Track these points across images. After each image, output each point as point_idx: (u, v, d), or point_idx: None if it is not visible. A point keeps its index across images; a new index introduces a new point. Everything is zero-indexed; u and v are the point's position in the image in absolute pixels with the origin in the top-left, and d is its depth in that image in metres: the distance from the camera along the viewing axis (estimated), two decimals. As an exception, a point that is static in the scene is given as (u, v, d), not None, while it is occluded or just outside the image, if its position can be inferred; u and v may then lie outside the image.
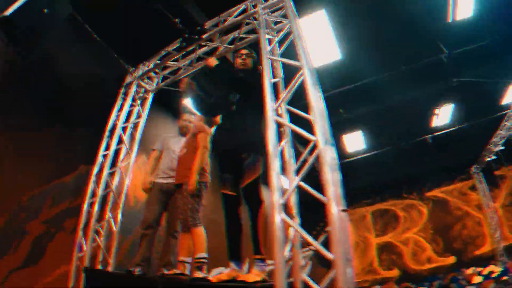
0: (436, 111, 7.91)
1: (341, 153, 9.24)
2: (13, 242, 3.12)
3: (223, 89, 2.87)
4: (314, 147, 1.98)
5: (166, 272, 2.86)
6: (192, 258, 2.63)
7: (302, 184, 1.91)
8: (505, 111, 7.59)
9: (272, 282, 1.83)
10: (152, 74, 4.65)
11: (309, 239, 1.72)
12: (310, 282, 1.69)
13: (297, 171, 2.04)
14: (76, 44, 4.50)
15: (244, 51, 2.99)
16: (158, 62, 4.54)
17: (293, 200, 1.97)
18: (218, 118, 3.09)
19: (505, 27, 6.23)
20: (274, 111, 2.17)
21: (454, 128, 8.37)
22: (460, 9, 5.75)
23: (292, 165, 2.07)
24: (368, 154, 9.23)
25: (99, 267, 3.22)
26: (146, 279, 2.78)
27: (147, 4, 4.12)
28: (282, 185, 1.99)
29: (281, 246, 1.77)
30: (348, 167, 8.86)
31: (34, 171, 3.44)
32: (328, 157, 1.88)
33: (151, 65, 4.61)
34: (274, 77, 2.57)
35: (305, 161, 2.04)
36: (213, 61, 2.89)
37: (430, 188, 10.02)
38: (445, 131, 8.43)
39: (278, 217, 1.79)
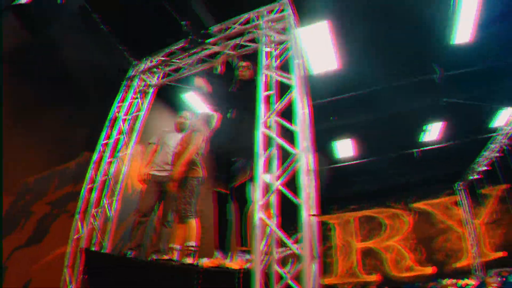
0: (427, 126, 8.33)
1: (331, 159, 9.68)
2: (19, 222, 3.46)
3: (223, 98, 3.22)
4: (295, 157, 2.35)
5: (155, 257, 3.22)
6: (181, 246, 2.99)
7: (281, 188, 2.27)
8: (491, 134, 8.05)
9: (251, 270, 2.20)
10: (154, 69, 4.96)
11: (282, 236, 2.10)
12: (281, 272, 2.07)
13: (278, 177, 2.41)
14: (84, 33, 4.78)
15: (244, 63, 3.33)
16: (162, 59, 4.87)
17: (274, 202, 2.35)
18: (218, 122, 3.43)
19: (500, 56, 6.65)
20: (263, 124, 2.52)
21: (441, 145, 8.82)
22: (459, 34, 6.15)
23: (274, 171, 2.43)
24: (357, 162, 9.65)
25: (94, 249, 3.58)
26: (140, 262, 3.13)
27: (155, 2, 4.43)
28: (265, 188, 2.36)
29: (259, 241, 2.15)
30: (338, 172, 9.29)
31: (40, 155, 3.78)
32: (306, 167, 2.25)
33: (155, 61, 4.94)
34: (269, 89, 2.93)
35: (286, 168, 2.41)
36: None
37: (415, 200, 10.53)
38: (433, 146, 8.88)
39: (258, 216, 2.17)
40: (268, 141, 2.58)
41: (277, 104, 2.73)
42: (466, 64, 6.84)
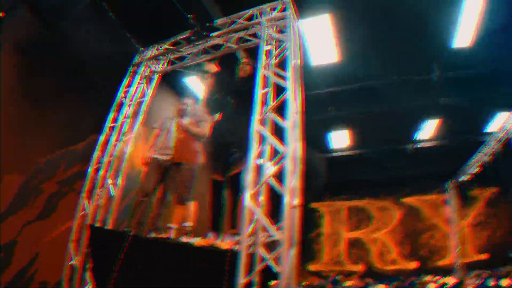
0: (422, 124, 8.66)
1: (327, 148, 10.06)
2: (30, 198, 3.84)
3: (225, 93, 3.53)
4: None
5: (154, 234, 3.60)
6: (178, 225, 3.37)
7: (269, 180, 2.62)
8: (485, 138, 8.37)
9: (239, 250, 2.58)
10: (160, 57, 5.22)
11: (265, 223, 2.46)
12: (263, 253, 2.44)
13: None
14: (93, 22, 5.02)
15: (244, 60, 3.62)
16: (168, 47, 5.12)
17: (262, 192, 2.70)
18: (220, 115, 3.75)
19: (498, 63, 6.91)
20: (258, 121, 2.85)
21: (435, 143, 9.16)
22: (460, 38, 6.37)
23: (265, 165, 2.78)
24: (351, 153, 10.03)
25: (97, 225, 3.95)
26: (140, 238, 3.51)
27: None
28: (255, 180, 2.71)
29: (246, 226, 2.52)
30: (332, 161, 9.68)
31: (51, 138, 4.15)
32: (292, 163, 2.59)
33: (161, 49, 5.18)
34: (266, 86, 3.24)
35: (276, 163, 2.75)
36: (213, 68, 3.54)
37: (405, 194, 10.97)
38: (427, 144, 9.23)
39: (245, 204, 2.52)
40: (262, 136, 2.92)
41: (272, 102, 3.05)
42: (465, 67, 7.14)
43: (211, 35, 4.51)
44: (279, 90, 3.15)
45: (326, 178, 9.83)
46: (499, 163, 7.98)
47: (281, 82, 3.09)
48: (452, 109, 7.76)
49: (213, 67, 3.56)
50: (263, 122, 2.93)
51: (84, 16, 4.88)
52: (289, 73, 3.17)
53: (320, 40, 6.49)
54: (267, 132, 2.84)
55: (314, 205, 11.45)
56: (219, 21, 4.60)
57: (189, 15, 4.43)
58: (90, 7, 4.93)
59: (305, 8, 5.56)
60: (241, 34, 4.57)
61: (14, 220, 3.72)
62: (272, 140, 2.75)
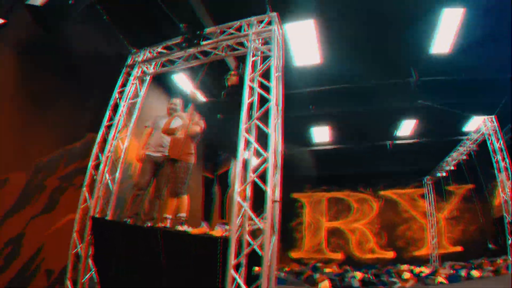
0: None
1: (308, 142, 10.79)
2: (35, 194, 4.31)
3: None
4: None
5: (149, 224, 4.17)
6: (174, 216, 3.95)
7: (255, 179, 3.23)
8: (461, 137, 9.25)
9: (228, 237, 3.18)
10: (152, 60, 5.69)
11: (251, 214, 3.08)
12: (250, 239, 3.06)
13: (254, 171, 3.36)
14: (88, 24, 5.39)
15: (232, 72, 4.19)
16: (160, 50, 5.58)
17: (249, 189, 3.30)
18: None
19: (474, 72, 7.66)
20: (244, 129, 3.44)
21: (413, 141, 10.01)
22: (439, 46, 6.96)
23: (251, 166, 3.38)
24: (332, 147, 10.79)
25: (98, 216, 4.48)
26: (137, 227, 4.07)
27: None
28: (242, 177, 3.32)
29: (236, 217, 3.13)
30: (314, 155, 10.42)
31: (51, 137, 4.61)
32: (273, 166, 3.21)
33: (153, 52, 5.65)
34: (252, 95, 3.81)
35: (260, 164, 3.36)
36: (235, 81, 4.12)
37: (384, 188, 11.87)
38: (405, 142, 10.07)
39: (235, 199, 3.13)
40: (248, 141, 3.51)
41: (257, 112, 3.63)
42: (443, 73, 7.86)
43: (201, 43, 5.01)
44: (264, 98, 3.73)
45: (307, 170, 10.62)
46: (474, 162, 8.87)
47: (265, 94, 3.67)
48: (429, 111, 8.50)
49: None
50: (249, 129, 3.52)
51: (81, 19, 5.26)
52: (273, 84, 3.75)
53: (304, 43, 7.06)
54: (252, 139, 3.44)
55: (295, 195, 12.19)
56: (209, 30, 5.05)
57: (181, 24, 4.91)
58: (87, 10, 5.31)
59: (291, 13, 6.14)
60: (230, 42, 5.09)
61: (21, 215, 4.16)
62: (256, 145, 3.35)
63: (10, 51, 4.30)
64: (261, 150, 3.32)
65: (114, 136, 5.04)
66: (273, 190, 3.15)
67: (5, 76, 4.20)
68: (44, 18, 4.31)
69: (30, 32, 4.43)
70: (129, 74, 5.61)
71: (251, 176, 3.31)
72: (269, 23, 4.53)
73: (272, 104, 3.60)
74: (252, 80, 3.90)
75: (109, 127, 5.09)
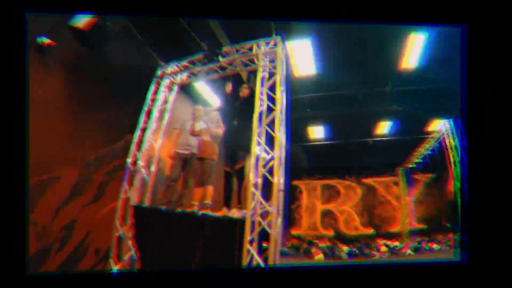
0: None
1: (306, 139, 11.09)
2: (85, 187, 4.51)
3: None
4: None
5: (180, 210, 4.37)
6: (201, 203, 4.17)
7: (265, 173, 3.45)
8: (426, 136, 9.66)
9: (245, 219, 3.41)
10: (178, 72, 5.85)
11: (263, 201, 3.30)
12: (261, 220, 3.29)
13: (264, 166, 3.58)
14: (124, 42, 5.52)
15: (244, 86, 4.38)
16: (185, 64, 5.73)
17: (260, 182, 3.52)
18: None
19: (440, 82, 7.86)
20: (257, 134, 3.65)
21: (389, 138, 10.32)
22: (407, 61, 7.23)
23: (262, 162, 3.59)
24: (325, 143, 11.11)
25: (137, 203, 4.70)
26: (171, 212, 4.27)
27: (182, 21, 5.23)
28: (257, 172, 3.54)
29: (250, 202, 3.35)
30: (310, 149, 10.71)
31: (97, 138, 4.79)
32: (279, 163, 3.42)
33: (179, 66, 5.80)
34: (261, 105, 4.01)
35: (269, 161, 3.58)
36: (229, 88, 4.29)
37: (365, 176, 12.21)
38: (383, 139, 10.39)
39: (251, 188, 3.36)
40: (259, 142, 3.72)
41: (266, 119, 3.84)
42: (412, 83, 8.08)
43: (219, 60, 5.17)
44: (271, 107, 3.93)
45: (304, 162, 10.94)
46: (435, 156, 9.25)
47: (272, 106, 3.86)
48: (402, 114, 8.76)
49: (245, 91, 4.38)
50: (260, 133, 3.72)
51: (118, 38, 5.40)
52: (278, 96, 3.94)
53: (303, 57, 7.29)
54: (262, 140, 3.66)
55: (295, 182, 12.56)
56: (225, 49, 5.22)
57: (203, 43, 5.08)
58: (123, 30, 5.44)
59: (293, 33, 6.32)
60: (243, 59, 5.23)
61: (74, 204, 4.33)
62: (265, 147, 3.57)
63: (61, 67, 4.37)
64: (269, 151, 3.53)
65: (148, 137, 5.25)
66: (278, 181, 3.37)
67: (59, 88, 4.30)
68: (88, 39, 4.41)
69: (75, 50, 4.43)
70: (159, 84, 5.77)
71: (262, 170, 3.53)
72: (275, 44, 4.71)
73: (277, 113, 3.80)
74: (261, 93, 4.09)
75: (144, 129, 5.28)
